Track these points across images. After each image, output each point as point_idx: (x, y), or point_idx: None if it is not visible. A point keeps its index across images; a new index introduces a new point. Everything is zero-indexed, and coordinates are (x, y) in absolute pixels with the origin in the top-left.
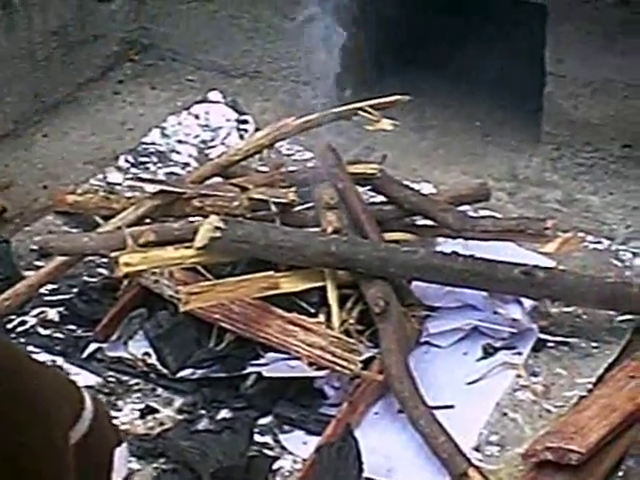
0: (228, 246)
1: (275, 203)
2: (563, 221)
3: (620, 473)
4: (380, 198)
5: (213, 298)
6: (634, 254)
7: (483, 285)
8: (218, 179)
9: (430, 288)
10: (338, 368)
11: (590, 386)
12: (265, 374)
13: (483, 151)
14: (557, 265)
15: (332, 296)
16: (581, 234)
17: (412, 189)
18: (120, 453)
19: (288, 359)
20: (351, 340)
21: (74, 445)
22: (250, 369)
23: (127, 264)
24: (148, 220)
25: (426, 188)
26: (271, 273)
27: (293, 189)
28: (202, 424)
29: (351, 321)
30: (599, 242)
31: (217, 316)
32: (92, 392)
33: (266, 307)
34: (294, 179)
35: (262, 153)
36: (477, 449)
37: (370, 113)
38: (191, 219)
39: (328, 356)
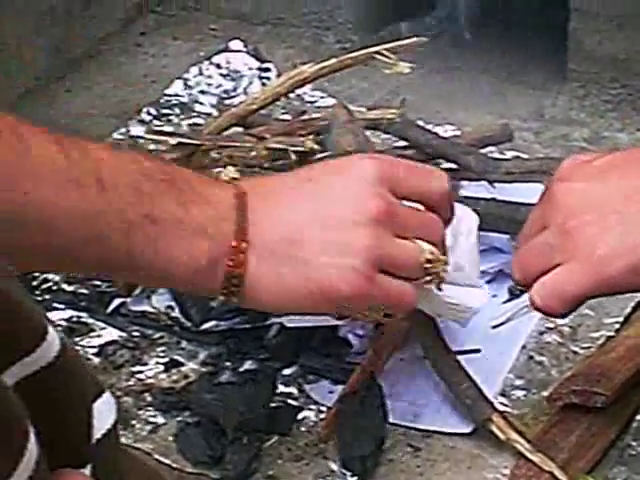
0: None
1: (294, 152)
2: None
3: (638, 417)
4: (402, 143)
5: None
6: None
7: (505, 228)
8: (238, 129)
9: None
10: (361, 316)
11: (617, 326)
12: (287, 324)
13: (508, 91)
14: None
15: None
16: None
17: (433, 132)
18: (102, 405)
19: None
20: None
21: (23, 380)
22: (273, 319)
23: None
24: None
25: (450, 130)
26: None
27: (312, 137)
28: (225, 376)
29: None
30: None
31: None
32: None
33: None
34: (314, 127)
35: (281, 101)
36: (503, 394)
37: (387, 57)
38: (210, 170)
39: None
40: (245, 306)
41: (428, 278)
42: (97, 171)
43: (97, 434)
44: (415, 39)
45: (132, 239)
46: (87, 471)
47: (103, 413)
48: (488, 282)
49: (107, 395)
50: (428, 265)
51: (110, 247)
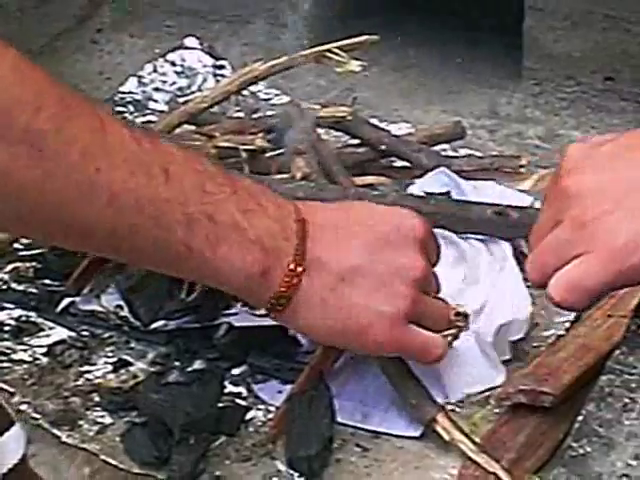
0: None
1: (245, 150)
2: (544, 157)
3: (580, 417)
4: (354, 141)
5: None
6: None
7: (456, 227)
8: (190, 127)
9: None
10: None
11: (568, 325)
12: (235, 324)
13: (464, 89)
14: (533, 204)
15: None
16: None
17: (385, 130)
18: (9, 439)
19: None
20: None
21: None
22: (222, 319)
23: None
24: None
25: (405, 128)
26: None
27: (262, 135)
28: (173, 376)
29: None
30: None
31: None
32: None
33: None
34: (266, 125)
35: (232, 98)
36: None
37: (338, 55)
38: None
39: None
40: (279, 322)
41: (452, 331)
42: (165, 163)
43: (2, 469)
44: (367, 37)
45: (192, 234)
46: None
47: (10, 446)
48: None
49: (16, 428)
50: (454, 318)
51: (171, 237)
